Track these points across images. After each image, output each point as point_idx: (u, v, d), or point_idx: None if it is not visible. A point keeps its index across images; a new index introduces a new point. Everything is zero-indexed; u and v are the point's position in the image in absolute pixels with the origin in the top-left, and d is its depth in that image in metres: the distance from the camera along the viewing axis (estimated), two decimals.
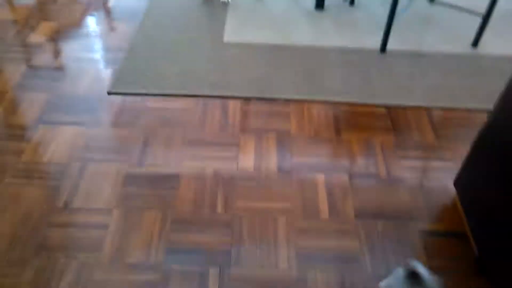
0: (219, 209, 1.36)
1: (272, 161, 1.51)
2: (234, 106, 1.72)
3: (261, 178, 1.45)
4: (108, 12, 2.24)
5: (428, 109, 1.74)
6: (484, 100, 1.77)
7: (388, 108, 1.74)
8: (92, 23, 2.16)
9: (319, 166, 1.50)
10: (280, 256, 1.25)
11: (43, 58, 1.93)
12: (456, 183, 1.39)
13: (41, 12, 2.21)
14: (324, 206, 1.38)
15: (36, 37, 2.05)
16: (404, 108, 1.74)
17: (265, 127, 1.63)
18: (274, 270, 1.22)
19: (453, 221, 1.36)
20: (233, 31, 2.10)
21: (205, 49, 1.98)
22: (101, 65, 1.90)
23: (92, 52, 1.97)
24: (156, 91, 1.77)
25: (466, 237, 1.32)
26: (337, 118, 1.68)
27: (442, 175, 1.49)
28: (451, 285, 1.20)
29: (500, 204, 1.12)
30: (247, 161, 1.51)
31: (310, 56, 1.97)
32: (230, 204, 1.37)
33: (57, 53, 1.96)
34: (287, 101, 1.75)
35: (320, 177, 1.46)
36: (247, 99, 1.75)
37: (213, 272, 1.21)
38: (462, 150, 1.58)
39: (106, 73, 1.86)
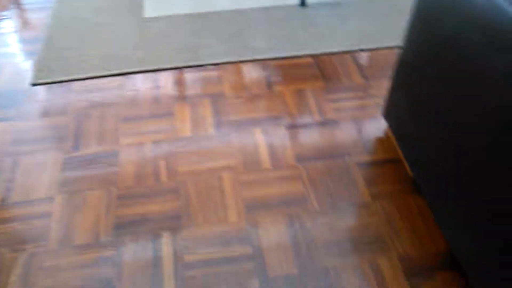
0: (163, 177, 1.36)
1: (209, 123, 1.52)
2: (165, 78, 1.70)
3: (200, 142, 1.46)
4: (18, 4, 2.13)
5: (352, 53, 1.80)
6: (401, 37, 1.85)
7: (315, 57, 1.78)
8: (2, 18, 2.05)
9: (255, 121, 1.53)
10: (229, 211, 1.27)
11: None
12: (385, 115, 1.46)
13: None
14: (265, 158, 1.41)
15: None
16: (330, 55, 1.79)
17: (198, 93, 1.64)
18: (225, 224, 1.24)
19: (388, 150, 1.44)
20: (153, 6, 2.07)
21: (126, 28, 1.94)
22: (20, 59, 1.81)
23: (6, 47, 1.88)
24: (82, 76, 1.71)
25: (401, 162, 1.40)
26: (267, 74, 1.71)
27: (373, 111, 1.56)
28: (391, 205, 1.28)
29: (422, 127, 1.19)
30: (184, 128, 1.51)
31: (233, 19, 1.97)
32: (173, 171, 1.38)
33: None
34: (217, 65, 1.76)
35: (258, 131, 1.49)
36: (176, 69, 1.74)
37: (165, 236, 1.21)
38: (388, 85, 1.66)
39: (26, 66, 1.78)
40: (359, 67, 1.73)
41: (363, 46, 1.81)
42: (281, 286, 1.11)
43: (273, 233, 1.22)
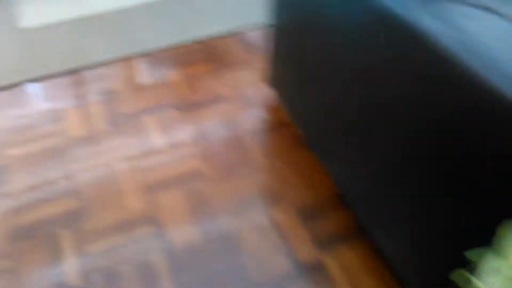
0: (59, 181, 1.33)
1: (101, 120, 1.51)
2: (51, 84, 1.66)
3: (94, 138, 1.45)
4: None
5: (237, 33, 1.86)
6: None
7: (202, 42, 1.83)
8: None
9: (149, 110, 1.54)
10: (128, 197, 1.28)
11: None
12: (271, 84, 1.53)
13: None
14: (160, 141, 1.43)
15: None
16: (216, 38, 1.84)
17: (89, 93, 1.62)
18: (124, 211, 1.24)
19: (278, 115, 1.51)
20: (31, 15, 2.01)
21: (5, 41, 1.87)
22: None
23: None
24: None
25: (290, 124, 1.48)
26: (157, 64, 1.73)
27: (261, 82, 1.63)
28: (284, 163, 1.35)
29: (302, 89, 1.27)
30: (77, 129, 1.49)
31: (118, 18, 1.96)
32: (68, 172, 1.35)
33: None
34: (107, 63, 1.74)
35: (152, 119, 1.51)
36: (66, 74, 1.71)
37: (65, 234, 1.19)
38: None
39: None
40: (245, 44, 1.80)
41: (246, 25, 1.88)
42: (186, 254, 1.14)
43: (174, 208, 1.24)
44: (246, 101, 1.56)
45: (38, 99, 1.61)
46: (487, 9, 0.80)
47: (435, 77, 0.76)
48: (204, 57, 1.75)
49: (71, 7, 2.05)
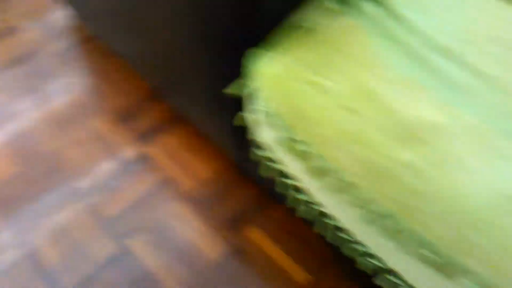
0: None
1: None
2: None
3: None
4: None
5: None
6: None
7: None
8: None
9: None
10: None
11: None
12: (65, 1, 1.46)
13: None
14: None
15: None
16: None
17: None
18: None
19: (81, 31, 1.47)
20: None
21: None
22: None
23: None
24: None
25: (93, 39, 1.45)
26: None
27: (55, 2, 1.55)
28: (97, 73, 1.34)
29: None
30: None
31: None
32: None
33: None
34: None
35: None
36: None
37: None
38: None
39: None
40: None
41: None
42: (9, 188, 1.11)
43: None
44: (45, 26, 1.48)
45: None
46: None
47: None
48: None
49: None
